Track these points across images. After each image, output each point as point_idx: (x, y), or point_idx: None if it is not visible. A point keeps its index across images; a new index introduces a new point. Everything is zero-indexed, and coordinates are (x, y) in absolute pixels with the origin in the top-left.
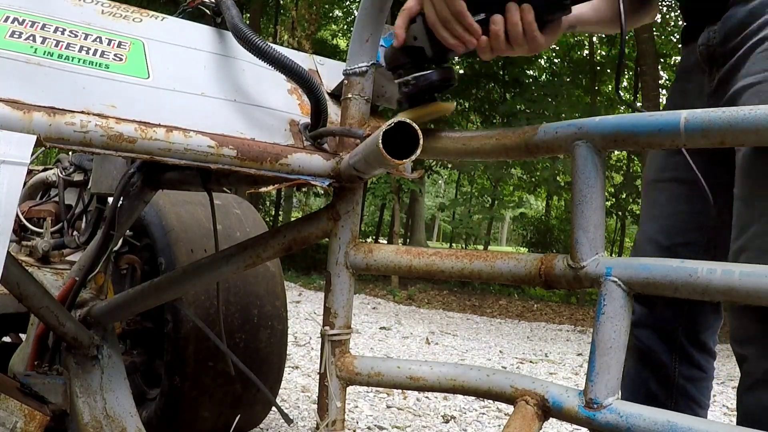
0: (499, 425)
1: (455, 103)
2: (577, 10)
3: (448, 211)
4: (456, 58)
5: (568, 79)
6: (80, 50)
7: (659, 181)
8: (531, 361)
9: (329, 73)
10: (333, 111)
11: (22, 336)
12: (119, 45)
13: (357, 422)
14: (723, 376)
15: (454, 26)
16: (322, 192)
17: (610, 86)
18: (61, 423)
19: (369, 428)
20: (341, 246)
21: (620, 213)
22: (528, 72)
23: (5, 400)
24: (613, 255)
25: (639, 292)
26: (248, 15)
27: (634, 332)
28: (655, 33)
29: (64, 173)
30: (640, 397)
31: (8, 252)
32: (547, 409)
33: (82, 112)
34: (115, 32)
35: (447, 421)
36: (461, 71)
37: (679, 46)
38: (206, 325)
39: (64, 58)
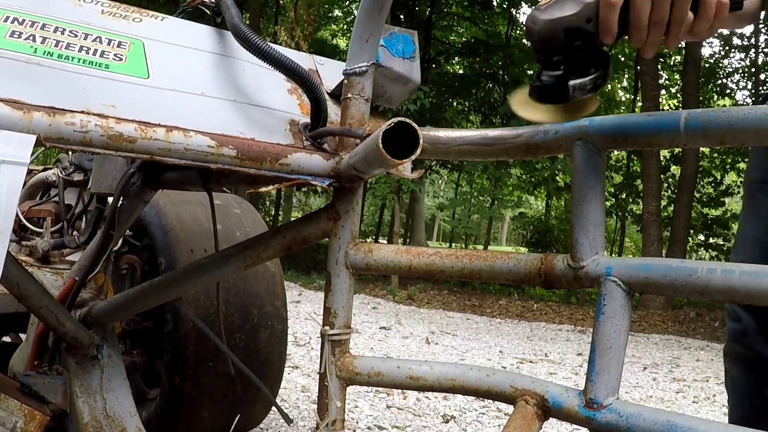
0: (499, 425)
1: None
2: None
3: (448, 210)
4: (456, 58)
5: None
6: (80, 50)
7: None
8: (531, 361)
9: (329, 73)
10: (333, 111)
11: (22, 336)
12: (119, 45)
13: (357, 422)
14: (723, 376)
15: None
16: (322, 192)
17: (609, 86)
18: (61, 423)
19: (369, 428)
20: (341, 246)
21: (620, 213)
22: (528, 72)
23: (5, 400)
24: (613, 255)
25: (639, 291)
26: (248, 15)
27: (742, 340)
28: None
29: (64, 173)
30: (756, 405)
31: (8, 252)
32: (547, 409)
33: (82, 112)
34: (115, 32)
35: (447, 421)
36: (461, 71)
37: (679, 46)
38: (206, 324)
39: (64, 58)
